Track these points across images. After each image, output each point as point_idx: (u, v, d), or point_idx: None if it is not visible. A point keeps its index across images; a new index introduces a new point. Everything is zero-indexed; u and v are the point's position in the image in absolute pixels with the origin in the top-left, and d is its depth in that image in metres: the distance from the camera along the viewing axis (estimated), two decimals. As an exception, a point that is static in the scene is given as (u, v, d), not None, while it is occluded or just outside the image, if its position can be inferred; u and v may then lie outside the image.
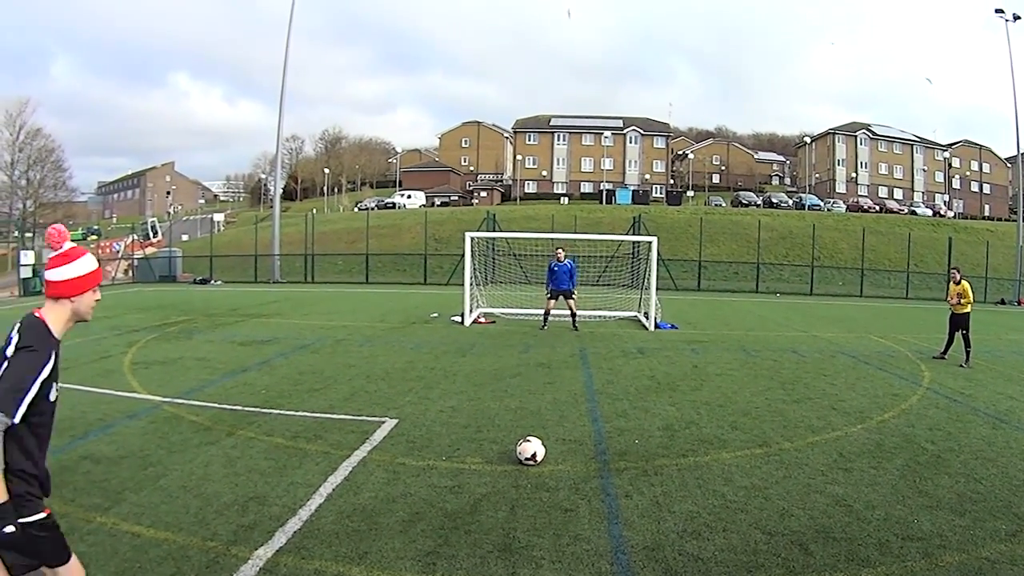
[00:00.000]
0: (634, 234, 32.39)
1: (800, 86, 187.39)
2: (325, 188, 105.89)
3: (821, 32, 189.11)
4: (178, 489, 5.81)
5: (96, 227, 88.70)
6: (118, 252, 44.55)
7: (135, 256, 40.73)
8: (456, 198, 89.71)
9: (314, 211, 64.60)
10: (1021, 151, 45.82)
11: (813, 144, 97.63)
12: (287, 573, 4.41)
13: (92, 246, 52.79)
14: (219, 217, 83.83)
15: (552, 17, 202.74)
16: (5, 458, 2.61)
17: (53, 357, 2.83)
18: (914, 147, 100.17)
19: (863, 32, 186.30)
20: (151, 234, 60.58)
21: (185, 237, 63.03)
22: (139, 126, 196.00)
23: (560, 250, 17.82)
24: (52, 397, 2.85)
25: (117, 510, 5.33)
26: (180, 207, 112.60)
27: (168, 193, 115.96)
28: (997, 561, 4.77)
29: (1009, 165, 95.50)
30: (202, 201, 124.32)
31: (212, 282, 36.16)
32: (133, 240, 45.82)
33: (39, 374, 2.72)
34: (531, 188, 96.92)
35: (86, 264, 3.03)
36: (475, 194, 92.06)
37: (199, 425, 7.84)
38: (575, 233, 37.14)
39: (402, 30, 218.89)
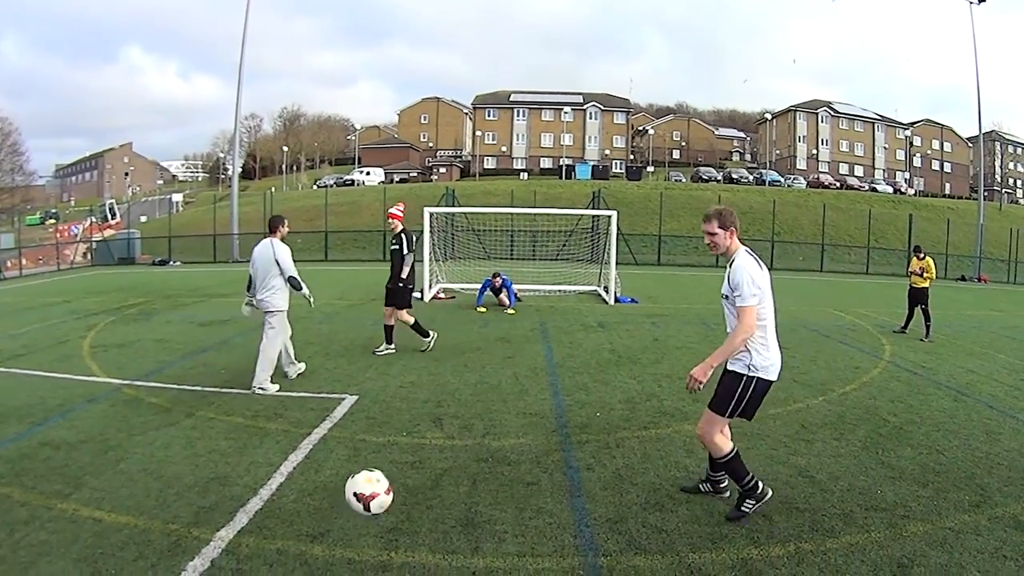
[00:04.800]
0: (594, 209, 32.39)
1: (772, 60, 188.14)
2: (284, 166, 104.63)
3: (798, 5, 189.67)
4: (139, 472, 5.75)
5: (54, 210, 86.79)
6: (76, 235, 43.77)
7: (93, 239, 40.01)
8: (415, 174, 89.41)
9: (272, 189, 63.92)
10: (981, 131, 46.59)
11: (774, 121, 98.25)
12: (249, 554, 4.39)
13: (51, 230, 51.87)
14: (178, 197, 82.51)
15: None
16: None
17: None
18: (875, 125, 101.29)
19: (838, 7, 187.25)
20: (109, 216, 59.54)
21: (143, 218, 62.06)
22: (92, 105, 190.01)
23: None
24: None
25: (78, 496, 5.26)
26: (139, 188, 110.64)
27: (126, 174, 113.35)
28: (961, 531, 4.85)
29: (970, 145, 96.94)
30: (160, 182, 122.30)
31: (171, 263, 35.62)
32: (91, 223, 45.06)
33: None
34: (490, 164, 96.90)
35: None
36: (434, 170, 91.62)
37: (159, 407, 7.75)
38: (534, 208, 37.12)
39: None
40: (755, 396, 4.87)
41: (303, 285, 8.98)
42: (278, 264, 8.75)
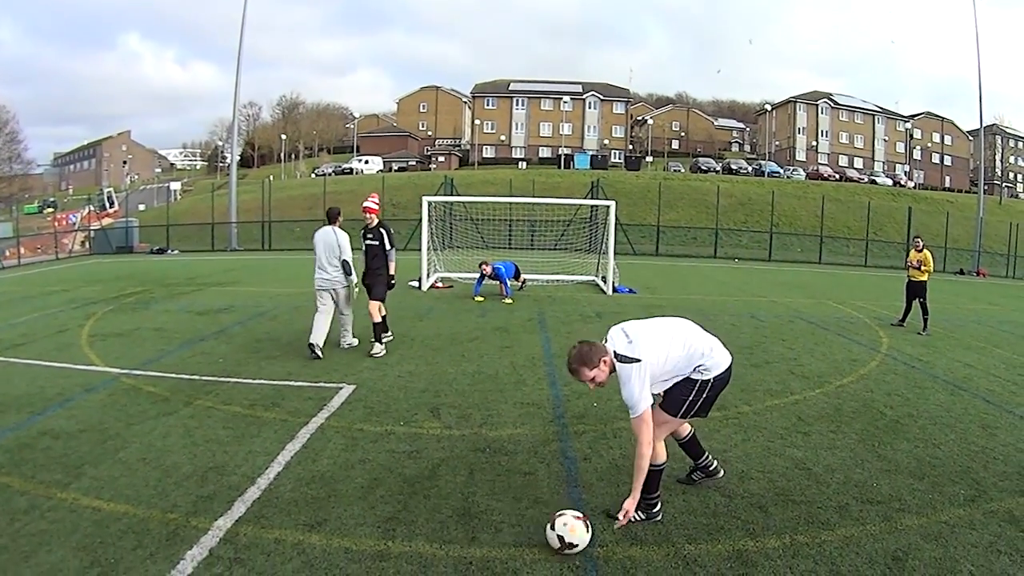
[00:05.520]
0: (592, 199, 32.35)
1: (775, 50, 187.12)
2: (282, 154, 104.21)
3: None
4: (137, 461, 5.75)
5: (52, 199, 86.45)
6: (74, 224, 43.62)
7: (91, 227, 39.92)
8: (414, 163, 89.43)
9: (271, 178, 63.79)
10: (982, 124, 46.52)
11: (774, 112, 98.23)
12: (247, 543, 4.40)
13: (49, 219, 51.74)
14: (176, 186, 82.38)
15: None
16: None
17: None
18: (875, 117, 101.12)
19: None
20: (107, 205, 59.36)
21: (142, 207, 61.85)
22: (91, 92, 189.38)
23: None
24: None
25: (77, 485, 5.26)
26: (137, 176, 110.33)
27: (124, 163, 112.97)
28: (956, 525, 4.85)
29: (971, 138, 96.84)
30: (158, 170, 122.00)
31: (169, 251, 35.57)
32: (89, 211, 44.92)
33: None
34: (489, 153, 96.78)
35: None
36: (433, 159, 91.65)
37: (157, 396, 7.75)
38: (533, 197, 37.08)
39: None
40: (711, 394, 4.78)
41: (353, 272, 10.26)
42: (340, 248, 10.12)
